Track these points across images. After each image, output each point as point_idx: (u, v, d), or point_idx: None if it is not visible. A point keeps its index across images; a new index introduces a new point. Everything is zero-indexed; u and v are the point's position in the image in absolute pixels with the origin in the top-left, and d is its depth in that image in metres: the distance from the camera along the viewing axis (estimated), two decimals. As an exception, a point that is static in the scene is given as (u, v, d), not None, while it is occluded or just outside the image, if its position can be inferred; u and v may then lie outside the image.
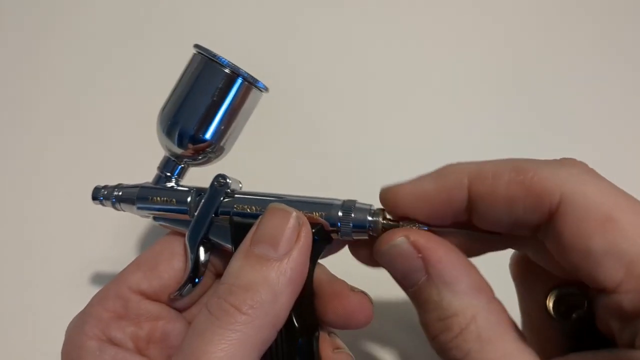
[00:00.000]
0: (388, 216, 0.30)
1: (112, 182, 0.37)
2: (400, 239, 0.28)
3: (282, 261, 0.28)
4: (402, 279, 0.28)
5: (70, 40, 0.56)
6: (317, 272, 0.33)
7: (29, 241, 0.47)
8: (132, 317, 0.32)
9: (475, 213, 0.28)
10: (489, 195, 0.27)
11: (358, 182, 0.47)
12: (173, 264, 0.33)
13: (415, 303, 0.28)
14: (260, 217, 0.30)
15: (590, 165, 0.27)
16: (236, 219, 0.32)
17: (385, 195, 0.30)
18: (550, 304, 0.28)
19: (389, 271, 0.29)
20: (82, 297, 0.33)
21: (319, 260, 0.34)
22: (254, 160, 0.49)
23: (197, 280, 0.33)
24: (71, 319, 0.32)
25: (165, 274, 0.33)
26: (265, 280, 0.27)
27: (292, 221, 0.29)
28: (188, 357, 0.26)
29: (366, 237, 0.31)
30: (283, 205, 0.30)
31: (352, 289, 0.33)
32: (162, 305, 0.33)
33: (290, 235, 0.28)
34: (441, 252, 0.27)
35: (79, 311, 0.32)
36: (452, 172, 0.28)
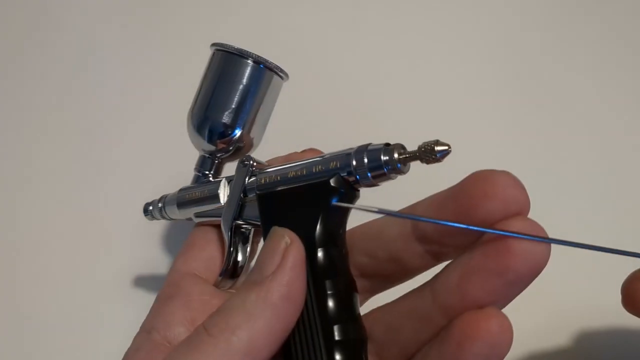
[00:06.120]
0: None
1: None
2: None
3: (264, 283, 0.26)
4: None
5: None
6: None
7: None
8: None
9: None
10: None
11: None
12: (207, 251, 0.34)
13: None
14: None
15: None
16: (260, 192, 0.31)
17: None
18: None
19: None
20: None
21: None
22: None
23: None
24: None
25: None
26: (242, 304, 0.26)
27: (281, 244, 0.27)
28: None
29: (387, 179, 0.27)
30: (279, 229, 0.28)
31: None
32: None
33: (276, 257, 0.27)
34: None
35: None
36: None
